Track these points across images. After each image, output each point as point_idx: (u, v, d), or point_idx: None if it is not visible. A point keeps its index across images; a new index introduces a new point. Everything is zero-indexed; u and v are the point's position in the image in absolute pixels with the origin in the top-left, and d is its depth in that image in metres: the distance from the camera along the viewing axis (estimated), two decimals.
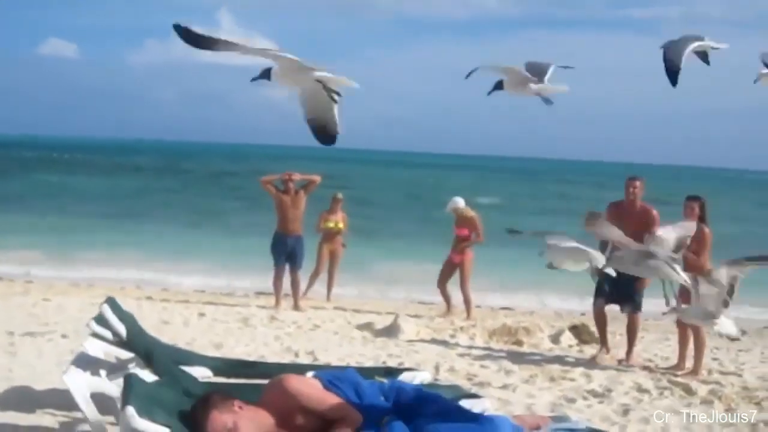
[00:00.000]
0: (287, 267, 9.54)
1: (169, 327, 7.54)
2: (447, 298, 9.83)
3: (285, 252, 9.49)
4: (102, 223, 20.10)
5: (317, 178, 9.70)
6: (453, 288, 9.77)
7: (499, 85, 4.33)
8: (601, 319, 7.13)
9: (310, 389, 3.25)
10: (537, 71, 4.34)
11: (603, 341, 7.14)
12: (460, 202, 9.72)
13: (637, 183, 6.96)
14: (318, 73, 3.51)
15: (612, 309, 7.24)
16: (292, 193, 9.56)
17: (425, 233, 21.15)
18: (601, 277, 6.41)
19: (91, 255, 14.53)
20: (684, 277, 5.61)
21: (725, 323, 5.62)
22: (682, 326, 6.70)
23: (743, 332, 6.19)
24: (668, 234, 5.71)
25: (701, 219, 6.52)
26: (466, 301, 9.61)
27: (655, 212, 6.91)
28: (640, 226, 6.38)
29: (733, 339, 6.06)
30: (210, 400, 3.13)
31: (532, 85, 4.26)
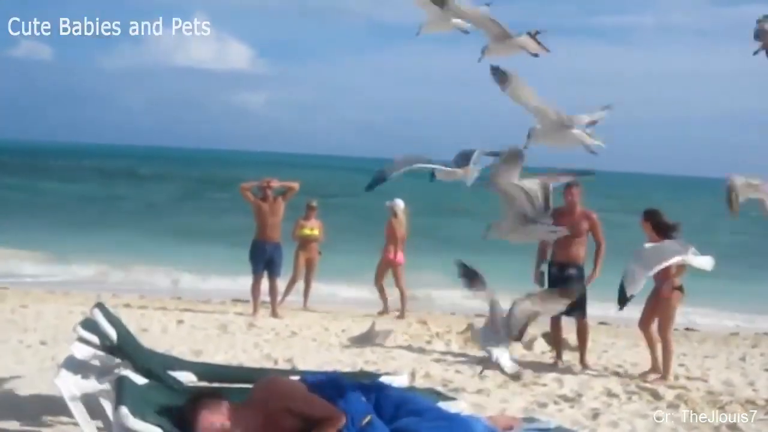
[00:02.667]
0: (265, 274, 9.63)
1: (147, 334, 7.59)
2: (385, 297, 10.53)
3: (263, 259, 9.56)
4: (69, 229, 19.95)
5: (295, 186, 9.81)
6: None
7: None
8: (556, 329, 7.42)
9: (295, 390, 3.38)
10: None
11: (558, 350, 7.42)
12: (401, 203, 10.47)
13: (574, 190, 7.22)
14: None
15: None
16: (270, 200, 9.63)
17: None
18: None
19: (63, 262, 14.50)
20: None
21: None
22: (647, 332, 6.96)
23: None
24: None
25: (658, 232, 6.63)
26: (404, 298, 10.34)
27: (594, 216, 7.29)
28: (579, 230, 6.99)
29: None
30: (200, 401, 3.24)
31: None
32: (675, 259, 5.48)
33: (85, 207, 27.21)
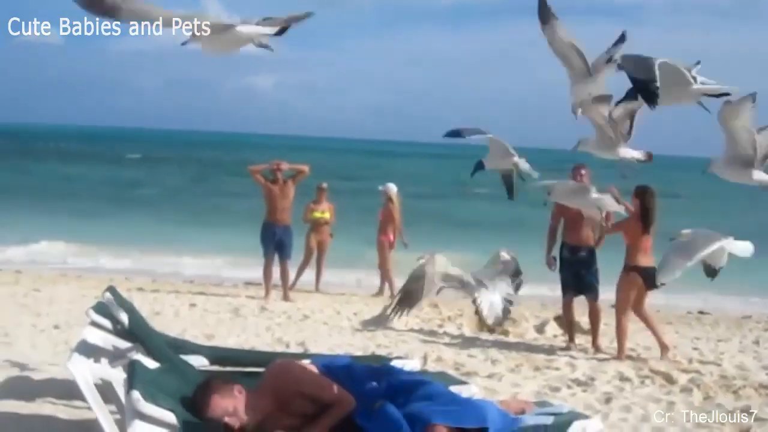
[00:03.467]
0: (276, 257, 9.64)
1: (160, 318, 7.63)
2: (391, 280, 10.52)
3: (273, 242, 9.56)
4: (84, 212, 20.07)
5: (306, 168, 9.78)
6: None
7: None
8: (568, 312, 7.41)
9: (306, 374, 3.38)
10: None
11: (570, 333, 7.40)
12: (393, 188, 10.68)
13: (583, 170, 7.21)
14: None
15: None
16: (280, 182, 9.61)
17: (413, 224, 21.34)
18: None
19: (77, 245, 14.58)
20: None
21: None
22: (641, 315, 6.99)
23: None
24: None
25: (640, 213, 6.75)
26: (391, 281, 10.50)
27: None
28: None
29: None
30: (211, 385, 3.25)
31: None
32: (715, 246, 5.48)
33: (96, 190, 27.35)
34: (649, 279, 6.52)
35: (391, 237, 10.60)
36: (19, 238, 14.52)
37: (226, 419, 3.17)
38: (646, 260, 6.78)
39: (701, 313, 10.71)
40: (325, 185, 10.84)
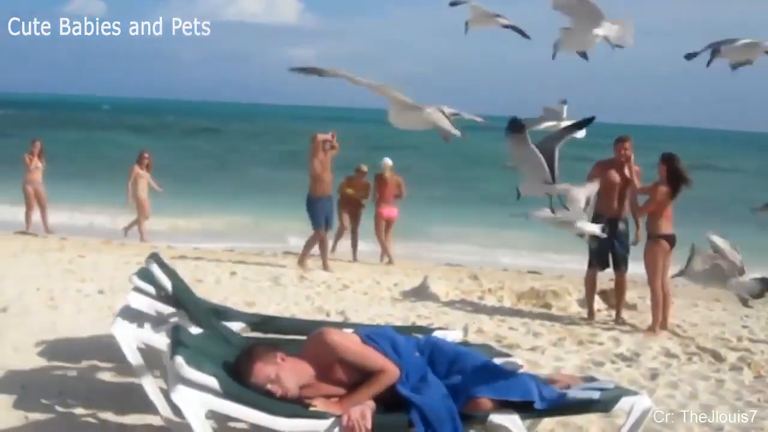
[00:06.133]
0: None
1: (202, 285, 7.69)
2: (384, 249, 11.07)
3: (324, 213, 9.64)
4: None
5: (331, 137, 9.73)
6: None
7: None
8: (591, 285, 7.33)
9: (349, 342, 3.33)
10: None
11: (590, 306, 7.31)
12: (388, 162, 11.04)
13: (627, 144, 7.13)
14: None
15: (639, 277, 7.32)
16: (328, 155, 9.66)
17: (453, 196, 21.22)
18: (594, 240, 6.66)
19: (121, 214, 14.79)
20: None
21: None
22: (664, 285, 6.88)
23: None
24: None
25: (669, 178, 6.73)
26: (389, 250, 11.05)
27: (637, 169, 7.18)
28: (624, 183, 7.03)
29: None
30: (254, 352, 3.23)
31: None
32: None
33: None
34: (674, 245, 6.74)
35: (384, 210, 10.96)
36: (67, 205, 14.79)
37: (269, 386, 3.16)
38: (669, 227, 6.79)
39: None
40: (365, 168, 11.21)
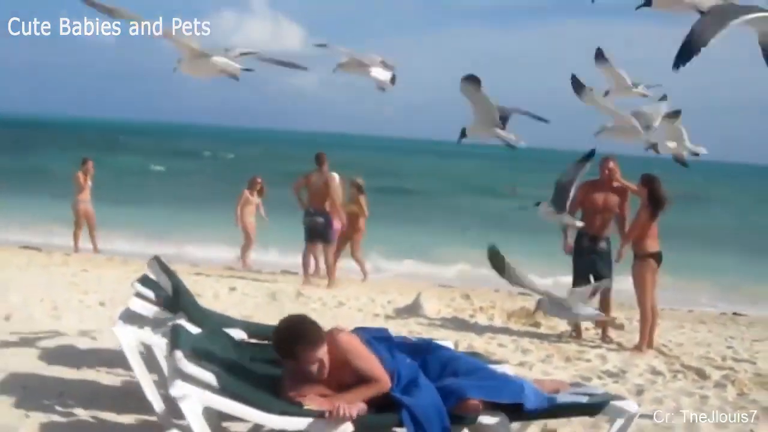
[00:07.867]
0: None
1: (200, 300, 7.77)
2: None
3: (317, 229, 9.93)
4: (130, 203, 20.52)
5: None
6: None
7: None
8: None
9: (358, 347, 3.42)
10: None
11: (577, 324, 7.41)
12: (335, 177, 10.41)
13: (611, 164, 7.30)
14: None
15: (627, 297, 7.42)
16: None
17: (450, 219, 21.41)
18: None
19: (124, 232, 14.96)
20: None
21: None
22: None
23: None
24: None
25: (649, 199, 6.89)
26: (362, 264, 11.08)
27: (627, 191, 7.34)
28: (610, 202, 7.26)
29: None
30: (319, 331, 3.39)
31: None
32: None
33: (142, 181, 27.93)
34: (660, 262, 6.94)
35: (339, 224, 10.45)
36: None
37: (311, 367, 3.27)
38: (656, 245, 6.93)
39: (736, 314, 10.53)
40: (360, 181, 11.02)
